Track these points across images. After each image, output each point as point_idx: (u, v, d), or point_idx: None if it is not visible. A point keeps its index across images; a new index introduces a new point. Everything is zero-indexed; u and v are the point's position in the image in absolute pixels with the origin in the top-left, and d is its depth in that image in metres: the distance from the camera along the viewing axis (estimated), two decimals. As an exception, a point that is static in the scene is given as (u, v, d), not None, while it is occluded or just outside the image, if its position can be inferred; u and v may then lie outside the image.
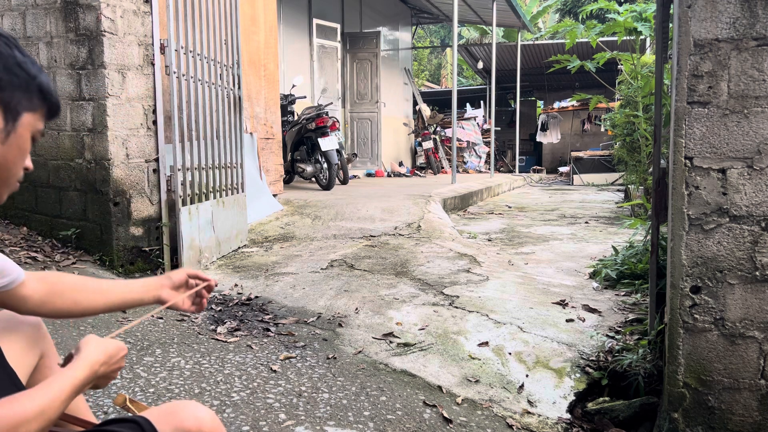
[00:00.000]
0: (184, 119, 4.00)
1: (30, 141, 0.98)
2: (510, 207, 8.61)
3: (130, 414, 1.17)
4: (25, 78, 0.95)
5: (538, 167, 16.67)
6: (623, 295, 3.56)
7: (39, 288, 1.20)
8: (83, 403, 1.43)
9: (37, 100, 0.97)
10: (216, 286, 1.38)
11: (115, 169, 3.81)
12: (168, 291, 1.34)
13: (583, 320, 3.15)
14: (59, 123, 3.98)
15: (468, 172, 13.96)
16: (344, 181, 8.55)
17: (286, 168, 8.03)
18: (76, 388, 0.98)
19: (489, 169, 13.08)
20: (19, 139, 0.96)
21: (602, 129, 14.88)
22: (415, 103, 14.57)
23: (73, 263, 3.75)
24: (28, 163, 1.01)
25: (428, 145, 12.72)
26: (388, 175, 11.66)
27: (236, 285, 3.81)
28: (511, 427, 2.26)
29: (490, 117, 14.19)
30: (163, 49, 3.97)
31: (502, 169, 16.03)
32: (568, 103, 16.48)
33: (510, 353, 2.77)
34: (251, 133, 5.80)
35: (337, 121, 8.11)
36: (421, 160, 13.67)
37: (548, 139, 16.86)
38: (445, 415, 2.25)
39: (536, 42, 16.07)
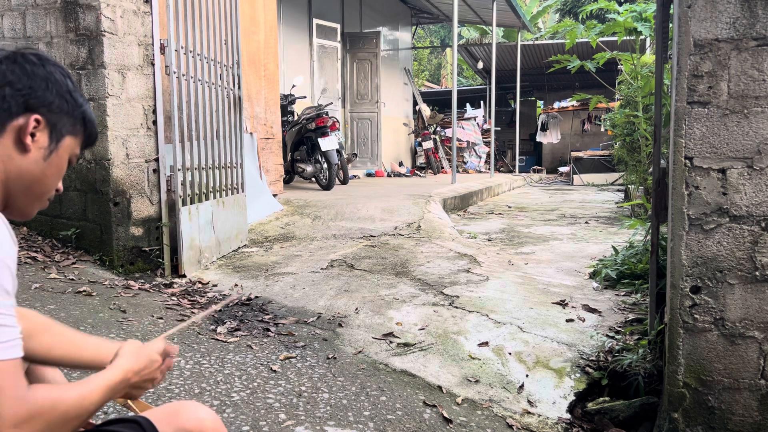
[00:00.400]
0: (184, 119, 4.00)
1: (67, 163, 1.07)
2: (510, 207, 8.61)
3: (131, 413, 1.17)
4: (73, 105, 1.05)
5: (538, 167, 16.67)
6: (623, 295, 3.56)
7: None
8: None
9: (80, 127, 1.08)
10: (176, 353, 1.30)
11: (115, 169, 3.81)
12: None
13: (583, 320, 3.15)
14: (59, 123, 3.97)
15: (468, 172, 13.96)
16: (344, 181, 8.55)
17: (286, 168, 8.03)
18: (110, 390, 1.03)
19: (489, 169, 13.08)
20: (59, 159, 1.05)
21: (602, 129, 14.88)
22: (415, 103, 14.57)
23: (73, 263, 3.75)
24: (60, 185, 1.09)
25: (428, 145, 12.72)
26: (388, 175, 11.66)
27: (236, 285, 3.81)
28: (511, 427, 2.26)
29: (490, 117, 14.19)
30: (163, 49, 3.97)
31: (502, 169, 16.03)
32: (568, 103, 16.48)
33: (510, 353, 2.77)
34: (251, 133, 5.80)
35: (337, 121, 8.10)
36: (421, 160, 13.66)
37: (548, 139, 16.86)
38: (445, 415, 2.25)
39: (536, 42, 16.07)
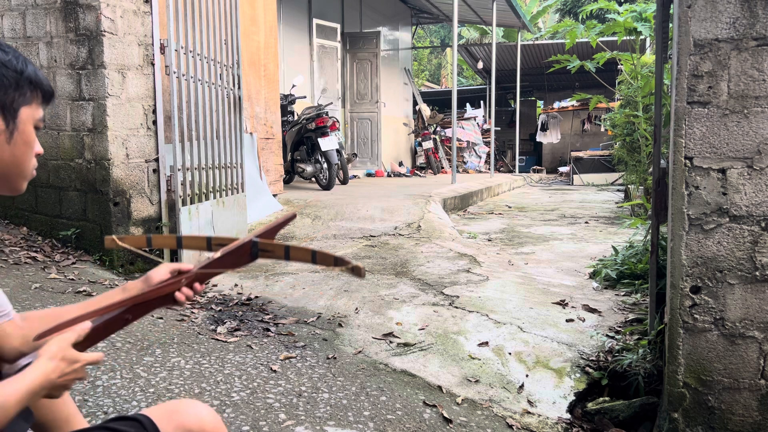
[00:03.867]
0: (184, 119, 4.00)
1: (33, 131, 1.03)
2: (510, 207, 8.61)
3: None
4: (14, 76, 0.98)
5: (538, 167, 16.66)
6: (623, 295, 3.56)
7: (23, 325, 1.16)
8: (73, 407, 1.43)
9: (30, 92, 1.01)
10: (194, 273, 1.27)
11: (115, 169, 3.81)
12: None
13: (583, 320, 3.15)
14: (59, 123, 3.98)
15: (468, 172, 13.95)
16: (344, 181, 8.55)
17: (286, 168, 8.02)
18: (31, 393, 0.93)
19: (489, 169, 13.08)
20: (23, 135, 1.01)
21: (602, 129, 14.87)
22: (415, 103, 14.57)
23: (73, 263, 3.75)
24: (39, 148, 1.05)
25: (428, 145, 12.71)
26: (388, 175, 11.66)
27: (236, 285, 3.81)
28: (511, 427, 2.26)
29: (490, 117, 14.19)
30: (163, 49, 3.97)
31: (502, 169, 16.03)
32: (568, 103, 16.47)
33: (510, 353, 2.77)
34: (251, 133, 5.80)
35: (337, 121, 8.10)
36: (421, 160, 13.66)
37: (548, 139, 16.85)
38: (445, 415, 2.25)
39: (536, 42, 16.06)
